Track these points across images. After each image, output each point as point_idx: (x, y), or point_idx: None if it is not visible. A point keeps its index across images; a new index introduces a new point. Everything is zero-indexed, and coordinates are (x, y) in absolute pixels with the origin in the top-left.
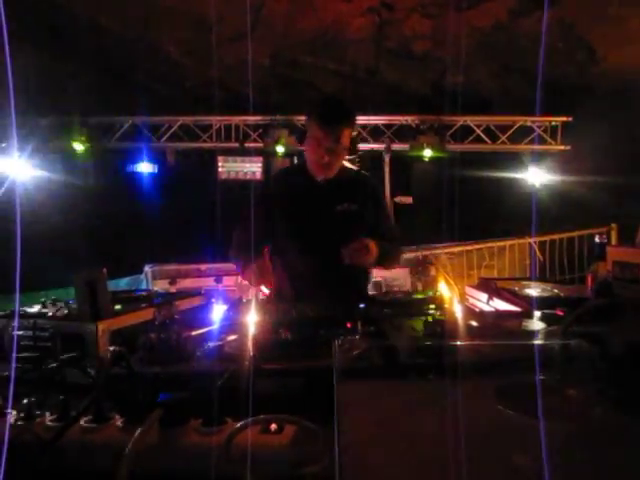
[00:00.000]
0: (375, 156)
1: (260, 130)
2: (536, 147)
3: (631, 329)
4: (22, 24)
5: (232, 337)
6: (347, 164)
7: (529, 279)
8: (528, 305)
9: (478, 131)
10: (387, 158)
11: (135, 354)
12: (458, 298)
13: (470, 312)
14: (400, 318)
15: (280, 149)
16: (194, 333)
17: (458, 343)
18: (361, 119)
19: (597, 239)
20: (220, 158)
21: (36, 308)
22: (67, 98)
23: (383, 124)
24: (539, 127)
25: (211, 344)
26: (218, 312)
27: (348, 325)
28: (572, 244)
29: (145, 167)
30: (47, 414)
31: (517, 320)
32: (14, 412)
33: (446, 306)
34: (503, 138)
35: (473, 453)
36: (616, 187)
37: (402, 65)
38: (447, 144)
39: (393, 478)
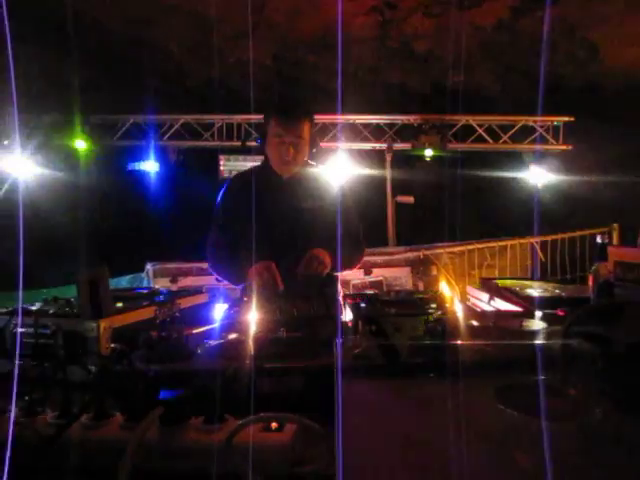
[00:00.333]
0: (376, 155)
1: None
2: (538, 147)
3: (632, 330)
4: (25, 22)
5: (233, 335)
6: (310, 162)
7: (530, 279)
8: (529, 305)
9: (480, 130)
10: (388, 157)
11: (136, 352)
12: (459, 298)
13: (471, 312)
14: (401, 317)
15: None
16: (195, 331)
17: (459, 343)
18: (363, 118)
19: (599, 239)
20: (222, 157)
21: (38, 306)
22: (70, 96)
23: (385, 123)
24: (541, 127)
25: (212, 342)
26: (219, 310)
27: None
28: (573, 244)
29: (147, 165)
30: (48, 411)
31: (518, 320)
32: (16, 409)
33: (447, 306)
34: (505, 138)
35: (473, 452)
36: (618, 187)
37: (404, 64)
38: (449, 143)
39: (394, 477)
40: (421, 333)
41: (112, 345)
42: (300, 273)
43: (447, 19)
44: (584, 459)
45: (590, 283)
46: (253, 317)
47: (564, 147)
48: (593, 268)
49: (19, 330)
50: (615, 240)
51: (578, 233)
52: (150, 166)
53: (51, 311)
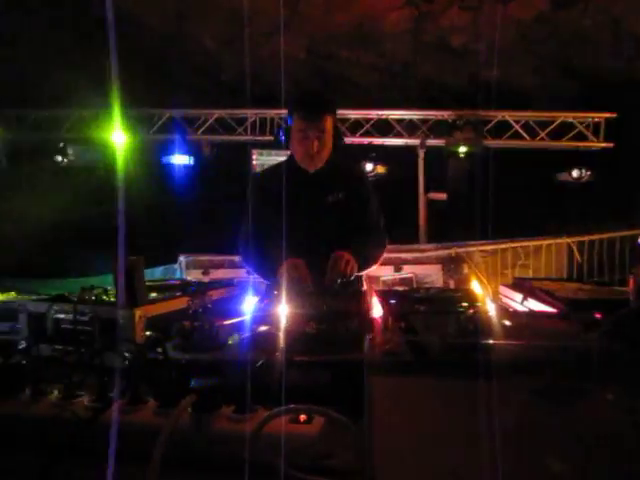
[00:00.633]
0: (409, 151)
1: None
2: (577, 144)
3: None
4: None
5: (263, 328)
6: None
7: (566, 280)
8: (565, 307)
9: (517, 127)
10: (421, 154)
11: (170, 341)
12: (491, 296)
13: (503, 311)
14: (432, 314)
15: None
16: (227, 322)
17: (491, 342)
18: (396, 113)
19: None
20: (254, 151)
21: (76, 293)
22: (109, 90)
23: (418, 119)
24: (581, 123)
25: (243, 334)
26: (250, 303)
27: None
28: (613, 245)
29: (181, 159)
30: (85, 395)
31: (552, 321)
32: (55, 392)
33: (479, 304)
34: (542, 134)
35: (505, 454)
36: None
37: (439, 59)
38: (484, 140)
39: (423, 477)
40: (452, 331)
41: (147, 333)
42: (329, 280)
43: (484, 12)
44: (619, 463)
45: (630, 286)
46: (283, 311)
47: (605, 144)
48: (633, 270)
49: (59, 316)
50: None
51: (618, 234)
52: (184, 159)
53: (89, 299)
